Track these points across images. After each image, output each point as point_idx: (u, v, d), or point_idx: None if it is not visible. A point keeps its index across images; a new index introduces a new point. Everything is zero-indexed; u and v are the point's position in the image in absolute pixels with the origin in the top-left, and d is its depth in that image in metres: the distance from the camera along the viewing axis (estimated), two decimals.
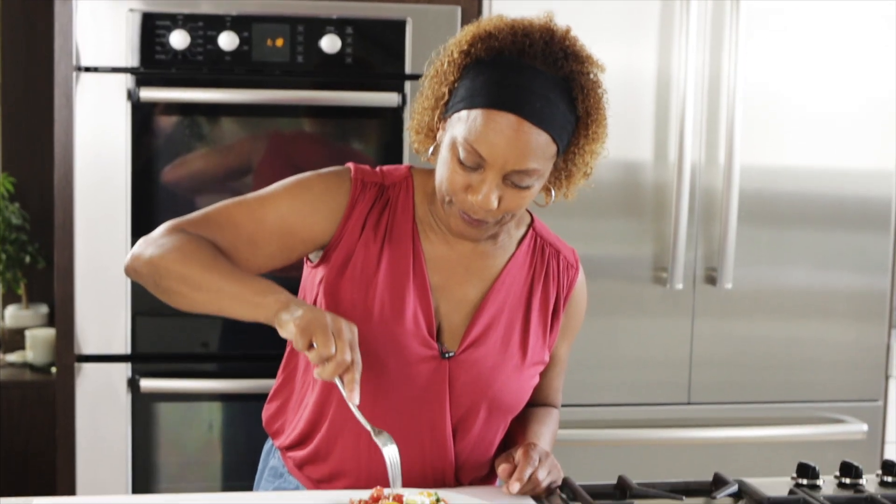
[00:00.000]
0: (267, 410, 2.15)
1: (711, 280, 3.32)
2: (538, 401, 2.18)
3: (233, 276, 1.85)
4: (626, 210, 3.29)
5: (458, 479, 2.05)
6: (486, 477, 2.09)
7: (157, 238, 1.92)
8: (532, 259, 2.06)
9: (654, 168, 3.28)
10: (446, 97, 1.92)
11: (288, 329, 1.77)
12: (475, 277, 2.01)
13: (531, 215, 2.10)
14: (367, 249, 1.96)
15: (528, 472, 1.89)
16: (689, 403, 3.36)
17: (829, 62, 3.34)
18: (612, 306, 3.30)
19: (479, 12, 3.19)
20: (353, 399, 1.75)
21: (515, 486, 1.89)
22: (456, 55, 1.91)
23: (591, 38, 3.14)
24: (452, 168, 1.87)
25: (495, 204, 1.85)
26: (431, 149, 1.98)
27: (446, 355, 1.97)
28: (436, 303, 1.98)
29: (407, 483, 1.95)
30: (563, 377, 2.22)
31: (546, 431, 2.10)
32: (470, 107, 1.86)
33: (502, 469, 1.94)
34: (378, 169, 2.04)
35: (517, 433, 2.09)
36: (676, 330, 3.34)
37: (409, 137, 2.05)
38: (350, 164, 2.02)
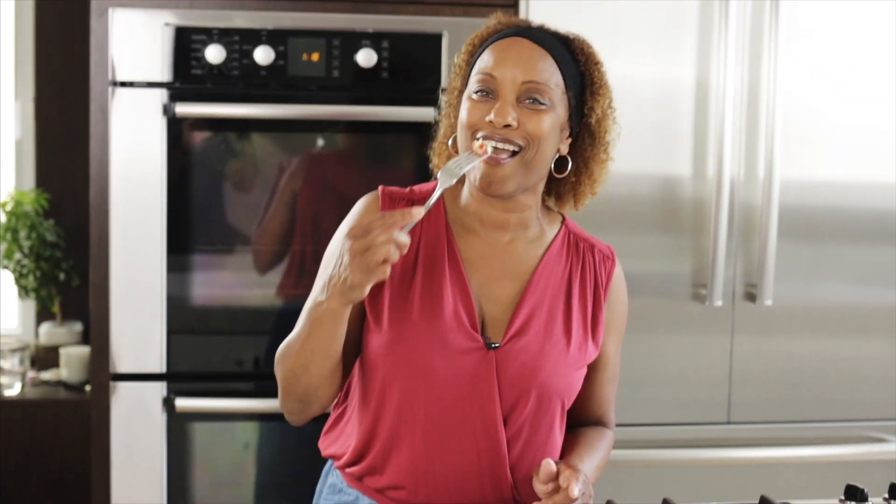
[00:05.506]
0: (323, 441, 2.18)
1: (751, 297, 3.28)
2: (592, 414, 2.19)
3: (300, 331, 1.93)
4: (665, 225, 3.25)
5: (513, 476, 2.04)
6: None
7: None
8: (567, 253, 2.11)
9: (693, 183, 3.24)
10: (461, 86, 2.07)
11: (343, 292, 1.81)
12: (512, 273, 2.05)
13: (563, 216, 2.16)
14: (403, 257, 1.97)
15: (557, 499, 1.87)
16: (728, 423, 3.32)
17: (870, 74, 3.30)
18: (651, 323, 3.26)
19: None
20: (419, 212, 1.81)
21: None
22: (464, 53, 2.09)
23: (629, 50, 3.16)
24: (469, 106, 1.99)
25: (513, 116, 1.94)
26: (451, 140, 2.09)
27: (492, 346, 1.99)
28: (476, 300, 2.02)
29: (464, 480, 1.99)
30: (615, 386, 2.21)
31: (594, 455, 2.09)
32: (478, 61, 2.03)
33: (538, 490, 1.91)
34: (407, 189, 2.11)
35: (566, 452, 2.08)
36: (716, 347, 3.30)
37: (431, 161, 2.18)
38: (379, 187, 2.10)
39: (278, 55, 3.15)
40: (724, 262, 3.22)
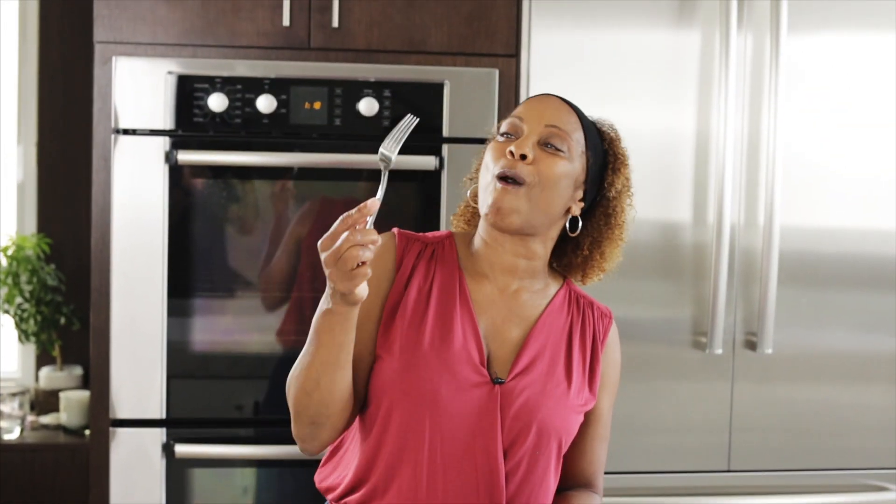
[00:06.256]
0: (320, 474, 2.19)
1: (751, 345, 3.28)
2: (582, 473, 2.21)
3: (308, 346, 1.95)
4: (665, 271, 3.26)
5: None
6: None
7: None
8: (569, 307, 2.18)
9: (693, 229, 3.25)
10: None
11: (339, 301, 1.86)
12: (518, 318, 2.12)
13: (565, 276, 2.23)
14: (417, 292, 2.07)
15: None
16: (728, 471, 3.31)
17: (870, 122, 3.31)
18: (651, 370, 3.26)
19: (517, 75, 3.18)
20: (374, 203, 1.89)
21: None
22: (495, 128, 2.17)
23: (631, 99, 3.17)
24: (493, 146, 2.09)
25: (529, 150, 2.04)
26: (469, 191, 2.21)
27: (497, 381, 2.04)
28: (484, 339, 2.08)
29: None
30: (606, 448, 2.24)
31: None
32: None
33: None
34: (420, 234, 2.18)
35: None
36: (716, 395, 3.29)
37: (452, 223, 2.28)
38: (394, 229, 2.16)
39: (280, 104, 3.16)
40: (725, 310, 3.23)
